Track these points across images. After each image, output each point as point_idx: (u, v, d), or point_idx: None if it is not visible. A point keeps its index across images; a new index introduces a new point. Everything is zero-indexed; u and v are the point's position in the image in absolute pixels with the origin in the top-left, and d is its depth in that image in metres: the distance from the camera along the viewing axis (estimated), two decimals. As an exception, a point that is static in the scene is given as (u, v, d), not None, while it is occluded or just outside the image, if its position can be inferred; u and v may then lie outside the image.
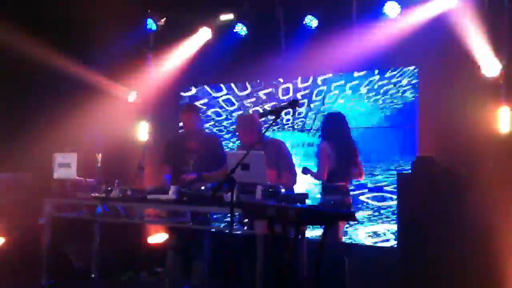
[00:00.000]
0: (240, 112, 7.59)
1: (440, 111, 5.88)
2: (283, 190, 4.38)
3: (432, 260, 4.90)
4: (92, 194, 5.36)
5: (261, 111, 7.34)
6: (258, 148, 4.62)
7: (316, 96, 7.02)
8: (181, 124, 6.11)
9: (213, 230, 5.46)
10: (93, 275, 6.02)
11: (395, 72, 6.44)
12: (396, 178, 5.54)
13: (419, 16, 5.98)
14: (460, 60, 5.67)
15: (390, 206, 6.28)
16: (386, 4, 6.15)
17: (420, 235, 5.02)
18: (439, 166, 5.19)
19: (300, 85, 7.16)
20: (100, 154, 5.70)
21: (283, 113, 6.07)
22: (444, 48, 5.82)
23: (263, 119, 5.21)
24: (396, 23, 6.13)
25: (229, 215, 3.96)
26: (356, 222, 6.22)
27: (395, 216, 6.07)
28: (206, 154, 5.49)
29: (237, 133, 5.56)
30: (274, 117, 3.88)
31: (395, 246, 5.97)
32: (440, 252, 4.90)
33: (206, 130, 7.45)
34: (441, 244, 4.91)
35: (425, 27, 5.92)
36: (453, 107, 5.71)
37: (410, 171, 5.39)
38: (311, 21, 6.66)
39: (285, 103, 3.97)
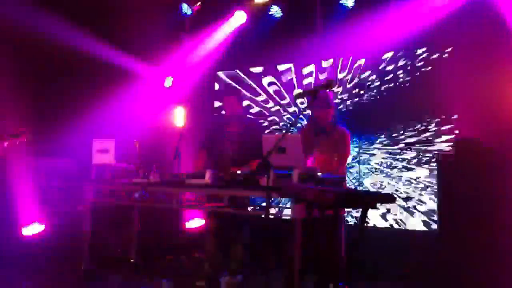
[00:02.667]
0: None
1: (479, 92, 5.68)
2: (319, 174, 4.30)
3: (475, 244, 4.76)
4: (131, 180, 5.40)
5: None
6: (328, 131, 4.70)
7: (350, 76, 6.89)
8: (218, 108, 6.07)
9: (250, 214, 5.41)
10: (132, 260, 6.09)
11: (429, 53, 6.25)
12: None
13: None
14: (499, 38, 5.46)
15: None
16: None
17: (463, 218, 4.88)
18: (482, 147, 5.02)
19: (334, 65, 7.04)
20: (138, 141, 5.73)
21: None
22: (483, 26, 5.62)
23: (300, 100, 5.09)
24: (435, 2, 5.95)
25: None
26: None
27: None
28: (247, 140, 5.42)
29: (308, 110, 5.29)
30: (310, 97, 3.80)
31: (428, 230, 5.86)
32: (483, 236, 4.75)
33: (248, 116, 7.39)
34: (484, 228, 4.76)
35: (463, 4, 5.72)
36: (492, 87, 5.51)
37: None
38: (347, 1, 6.51)
39: (320, 84, 3.89)
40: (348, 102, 6.88)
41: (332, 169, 4.65)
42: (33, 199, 6.50)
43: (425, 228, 6.10)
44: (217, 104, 8.14)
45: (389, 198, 3.44)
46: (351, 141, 4.97)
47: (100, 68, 7.29)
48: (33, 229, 6.54)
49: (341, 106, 6.86)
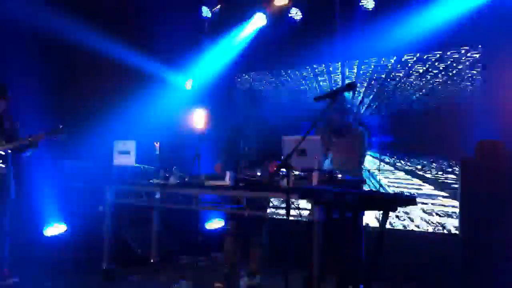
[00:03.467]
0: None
1: (505, 93, 5.61)
2: (339, 176, 4.30)
3: (497, 247, 4.71)
4: (151, 181, 5.45)
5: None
6: (344, 133, 4.75)
7: (374, 79, 6.85)
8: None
9: (270, 216, 5.42)
10: (152, 260, 6.13)
11: (455, 53, 6.19)
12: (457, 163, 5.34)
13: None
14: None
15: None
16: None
17: (485, 222, 4.84)
18: (505, 150, 4.97)
19: (356, 68, 7.01)
20: (158, 142, 5.78)
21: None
22: (510, 26, 5.55)
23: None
24: (456, 1, 5.89)
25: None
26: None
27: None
28: (262, 141, 5.44)
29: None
30: (331, 100, 3.80)
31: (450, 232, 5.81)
32: (506, 239, 4.70)
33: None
34: (506, 231, 4.71)
35: (489, 4, 5.66)
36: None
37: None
38: (368, 2, 6.49)
39: (341, 86, 3.88)
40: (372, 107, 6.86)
41: (348, 170, 4.66)
42: (55, 200, 6.57)
43: (444, 231, 6.05)
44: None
45: (411, 201, 3.42)
46: (368, 140, 4.97)
47: (120, 71, 7.35)
48: (55, 230, 6.61)
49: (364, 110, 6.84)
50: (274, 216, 5.28)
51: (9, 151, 5.44)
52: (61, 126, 5.49)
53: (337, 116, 4.87)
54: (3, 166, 5.42)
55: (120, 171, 5.81)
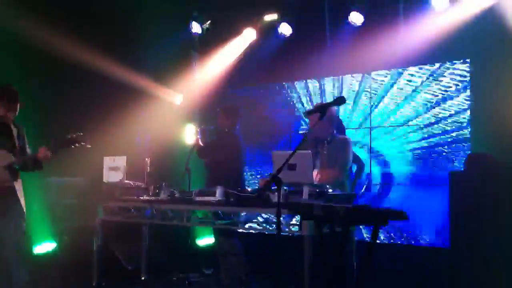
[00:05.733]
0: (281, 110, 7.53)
1: (494, 106, 5.65)
2: (330, 190, 4.29)
3: (487, 260, 4.72)
4: (141, 197, 5.42)
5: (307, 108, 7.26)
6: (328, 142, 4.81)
7: (362, 93, 6.89)
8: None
9: (260, 231, 5.41)
10: (143, 277, 6.08)
11: (442, 68, 6.24)
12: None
13: (469, 8, 5.77)
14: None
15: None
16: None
17: (474, 234, 4.84)
18: (495, 163, 5.00)
19: (345, 82, 7.05)
20: (149, 158, 5.76)
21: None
22: (496, 40, 5.61)
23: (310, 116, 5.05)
24: (444, 16, 5.95)
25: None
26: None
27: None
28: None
29: (310, 127, 5.28)
30: (320, 114, 3.81)
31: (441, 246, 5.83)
32: (496, 251, 4.71)
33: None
34: (496, 243, 4.72)
35: (475, 19, 5.72)
36: (509, 101, 5.49)
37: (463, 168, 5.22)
38: (356, 18, 6.53)
39: (331, 101, 3.90)
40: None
41: (332, 178, 4.67)
42: (44, 217, 6.51)
43: (433, 243, 6.06)
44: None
45: (401, 214, 3.41)
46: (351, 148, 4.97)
47: (110, 86, 7.33)
48: (44, 247, 6.55)
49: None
50: (265, 232, 5.27)
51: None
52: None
53: (321, 129, 4.84)
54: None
55: (110, 187, 5.78)
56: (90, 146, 5.34)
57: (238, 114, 5.97)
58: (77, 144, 5.25)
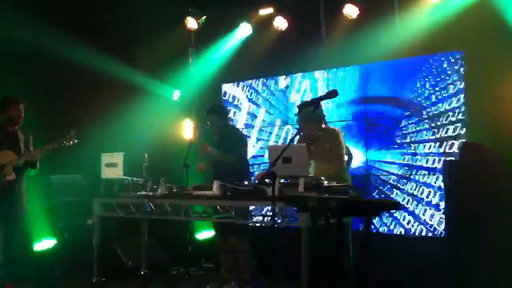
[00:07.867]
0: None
1: (489, 97, 5.66)
2: (325, 182, 4.31)
3: (484, 250, 4.74)
4: (139, 193, 5.46)
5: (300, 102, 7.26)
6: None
7: (357, 85, 6.90)
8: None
9: (257, 224, 5.44)
10: (142, 272, 6.12)
11: (438, 58, 6.25)
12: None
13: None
14: (509, 43, 5.45)
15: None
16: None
17: (470, 224, 4.86)
18: (489, 152, 5.01)
19: (339, 75, 7.05)
20: (146, 154, 5.79)
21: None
22: (491, 31, 5.61)
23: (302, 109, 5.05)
24: (439, 7, 5.96)
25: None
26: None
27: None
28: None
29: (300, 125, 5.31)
30: (313, 107, 3.83)
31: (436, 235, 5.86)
32: (492, 241, 4.73)
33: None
34: (492, 233, 4.74)
35: (470, 10, 5.72)
36: (503, 92, 5.50)
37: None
38: (352, 11, 6.53)
39: (324, 94, 3.91)
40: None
41: (332, 173, 4.67)
42: (44, 214, 6.55)
43: (429, 234, 6.09)
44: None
45: (394, 205, 3.45)
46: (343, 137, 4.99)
47: (107, 83, 7.36)
48: (44, 244, 6.59)
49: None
50: (262, 225, 5.30)
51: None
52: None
53: (309, 126, 4.86)
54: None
55: (108, 184, 5.82)
56: (77, 141, 5.47)
57: (225, 109, 6.15)
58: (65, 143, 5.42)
